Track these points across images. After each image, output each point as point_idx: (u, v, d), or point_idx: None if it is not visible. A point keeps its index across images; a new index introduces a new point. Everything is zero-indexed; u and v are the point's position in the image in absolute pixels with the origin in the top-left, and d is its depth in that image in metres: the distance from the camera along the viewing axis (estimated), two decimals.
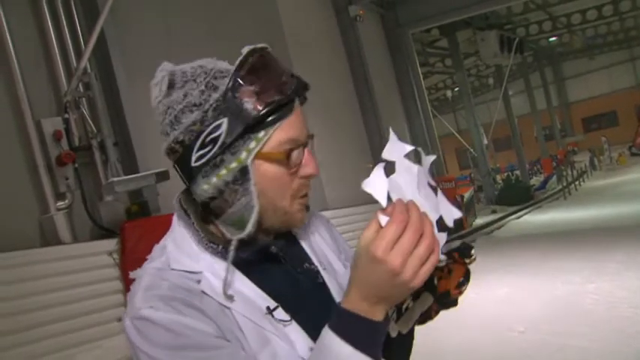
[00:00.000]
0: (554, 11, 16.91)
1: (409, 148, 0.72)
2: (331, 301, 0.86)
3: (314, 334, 0.76)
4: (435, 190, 0.71)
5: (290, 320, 0.78)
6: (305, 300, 0.83)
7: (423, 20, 12.15)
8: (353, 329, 0.68)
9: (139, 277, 0.80)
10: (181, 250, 0.79)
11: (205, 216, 0.83)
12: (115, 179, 4.98)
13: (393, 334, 0.76)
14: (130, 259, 4.74)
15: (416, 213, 0.66)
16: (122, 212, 5.18)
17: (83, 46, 5.16)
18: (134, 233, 4.81)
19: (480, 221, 12.56)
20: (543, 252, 7.25)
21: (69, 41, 5.23)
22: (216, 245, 0.80)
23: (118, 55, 5.52)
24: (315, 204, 0.95)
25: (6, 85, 4.71)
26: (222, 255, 0.79)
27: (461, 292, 0.80)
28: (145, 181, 5.09)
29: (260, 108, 0.74)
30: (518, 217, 12.56)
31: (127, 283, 4.80)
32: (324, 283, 0.89)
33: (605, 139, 24.48)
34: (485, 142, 16.05)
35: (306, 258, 0.91)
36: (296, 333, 0.77)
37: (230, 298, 0.76)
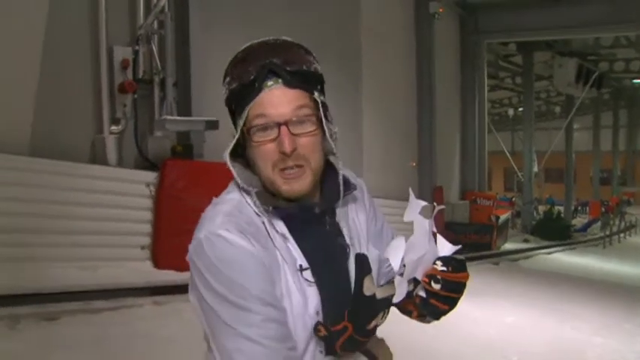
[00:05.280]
0: None
1: (423, 203, 0.87)
2: (346, 274, 0.97)
3: (329, 297, 0.92)
4: (435, 235, 0.87)
5: (313, 282, 0.92)
6: (333, 268, 0.96)
7: (502, 32, 11.78)
8: None
9: (217, 204, 0.95)
10: (246, 200, 0.96)
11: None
12: (168, 117, 5.23)
13: (367, 293, 0.87)
14: (166, 195, 5.00)
15: None
16: (167, 149, 5.44)
17: None
18: (174, 171, 5.06)
19: (509, 246, 12.31)
20: (562, 293, 7.08)
21: None
22: (268, 207, 0.93)
23: (197, 1, 5.70)
24: None
25: (89, 9, 4.99)
26: (274, 214, 0.94)
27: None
28: (194, 126, 5.32)
29: (227, 95, 0.94)
30: (549, 253, 12.23)
31: (158, 217, 5.07)
32: (349, 258, 0.99)
33: None
34: (536, 169, 15.55)
35: (339, 233, 1.00)
36: (313, 295, 0.92)
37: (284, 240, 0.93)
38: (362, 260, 0.88)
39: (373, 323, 0.89)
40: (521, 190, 16.96)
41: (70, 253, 4.52)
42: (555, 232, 14.88)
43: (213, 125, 5.23)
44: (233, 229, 0.87)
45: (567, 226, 16.22)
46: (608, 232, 15.54)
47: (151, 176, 5.13)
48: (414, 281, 0.86)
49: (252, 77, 0.90)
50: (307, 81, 0.93)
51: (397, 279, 0.85)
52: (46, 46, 4.58)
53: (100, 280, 4.39)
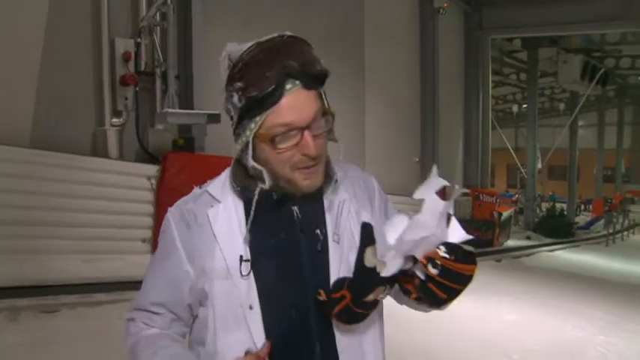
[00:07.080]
0: None
1: (444, 182, 0.80)
2: (320, 268, 0.97)
3: (267, 292, 0.95)
4: (449, 219, 0.81)
5: (246, 275, 0.96)
6: (286, 260, 0.97)
7: (507, 28, 11.69)
8: None
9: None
10: (223, 181, 1.03)
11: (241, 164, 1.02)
12: (170, 110, 5.21)
13: (368, 265, 0.85)
14: (167, 189, 4.98)
15: None
16: (168, 142, 5.42)
17: None
18: (175, 164, 5.04)
19: (511, 243, 12.28)
20: (564, 290, 7.04)
21: None
22: (237, 186, 0.99)
23: None
24: None
25: (91, 1, 4.95)
26: (240, 194, 1.00)
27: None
28: (196, 119, 5.30)
29: (242, 102, 0.90)
30: (552, 250, 12.18)
31: (159, 209, 5.06)
32: (322, 252, 0.98)
33: None
34: (539, 166, 15.47)
35: (321, 223, 1.00)
36: (247, 287, 0.95)
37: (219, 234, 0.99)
38: (366, 230, 0.88)
39: (371, 296, 0.87)
40: (524, 187, 16.88)
41: (71, 245, 4.52)
42: (558, 229, 14.81)
43: (214, 118, 5.21)
44: (176, 210, 1.03)
45: (570, 223, 16.14)
46: (611, 230, 15.45)
47: (152, 169, 5.12)
48: (414, 260, 0.81)
49: (272, 85, 0.88)
50: (321, 80, 0.94)
51: (390, 253, 0.81)
52: (48, 38, 4.56)
53: (101, 273, 4.38)
